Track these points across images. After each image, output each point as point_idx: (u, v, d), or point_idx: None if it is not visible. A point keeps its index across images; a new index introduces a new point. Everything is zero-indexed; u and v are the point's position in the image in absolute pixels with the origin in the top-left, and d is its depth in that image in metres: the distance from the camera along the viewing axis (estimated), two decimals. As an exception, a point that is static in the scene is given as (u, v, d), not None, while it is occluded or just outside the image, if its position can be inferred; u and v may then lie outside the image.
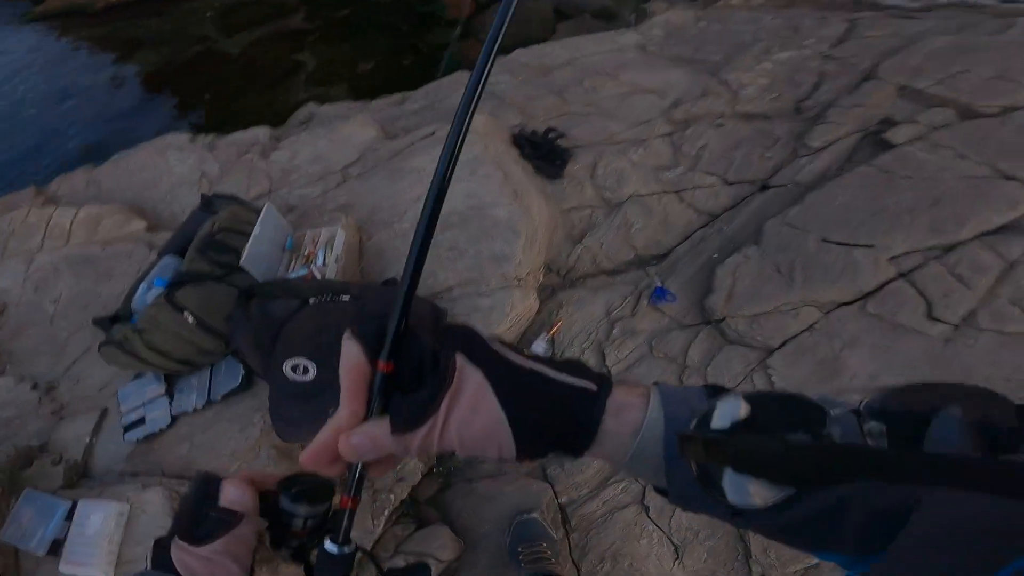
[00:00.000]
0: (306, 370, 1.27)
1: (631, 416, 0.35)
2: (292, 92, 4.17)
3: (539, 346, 1.64)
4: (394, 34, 4.73)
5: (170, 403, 1.37)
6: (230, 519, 0.45)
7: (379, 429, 0.34)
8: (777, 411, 0.32)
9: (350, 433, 0.34)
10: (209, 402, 1.36)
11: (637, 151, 2.18)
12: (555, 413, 0.34)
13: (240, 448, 1.28)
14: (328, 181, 2.12)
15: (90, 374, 1.57)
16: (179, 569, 0.44)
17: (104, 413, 1.46)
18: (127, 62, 4.97)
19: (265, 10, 5.21)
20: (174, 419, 1.35)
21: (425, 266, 0.35)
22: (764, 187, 1.98)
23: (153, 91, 4.59)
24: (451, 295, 1.64)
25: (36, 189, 2.43)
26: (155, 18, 5.38)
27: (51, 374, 1.62)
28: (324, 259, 1.63)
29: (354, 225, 1.80)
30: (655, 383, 0.37)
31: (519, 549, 1.32)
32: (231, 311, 1.33)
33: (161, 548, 0.45)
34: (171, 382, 1.44)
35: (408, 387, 0.34)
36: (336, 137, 2.30)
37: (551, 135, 2.27)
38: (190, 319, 1.37)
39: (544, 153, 2.20)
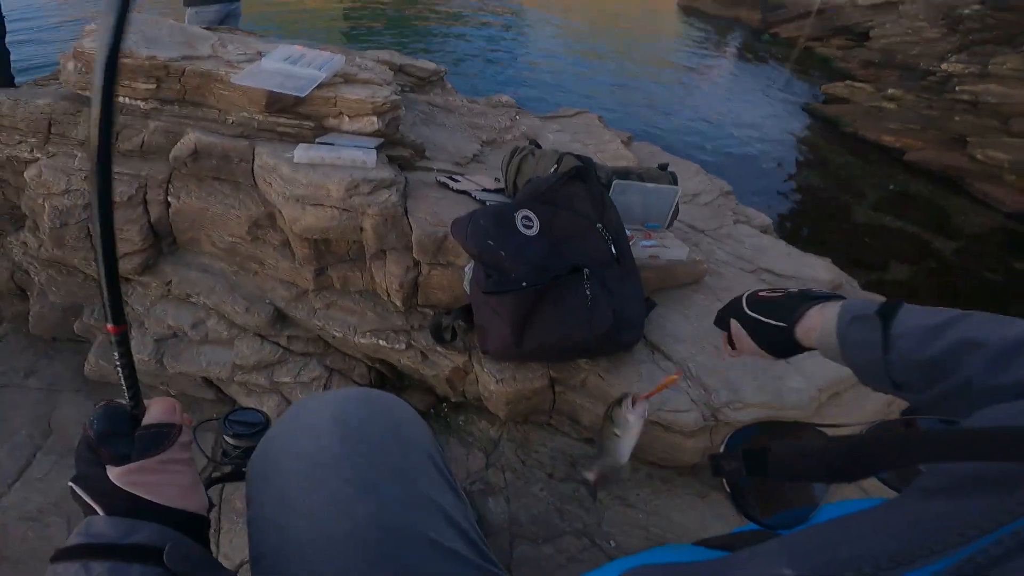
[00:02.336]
0: (529, 226, 1.38)
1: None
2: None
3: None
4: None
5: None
6: (168, 430, 0.47)
7: (727, 345, 0.83)
8: None
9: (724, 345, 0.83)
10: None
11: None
12: None
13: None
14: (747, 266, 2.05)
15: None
16: (130, 488, 0.43)
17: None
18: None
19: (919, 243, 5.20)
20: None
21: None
22: None
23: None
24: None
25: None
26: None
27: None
28: (654, 245, 1.65)
29: (700, 266, 1.72)
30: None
31: None
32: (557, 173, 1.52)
33: (89, 484, 0.44)
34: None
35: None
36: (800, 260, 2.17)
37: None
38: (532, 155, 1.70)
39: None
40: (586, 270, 1.33)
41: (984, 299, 4.65)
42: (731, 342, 0.78)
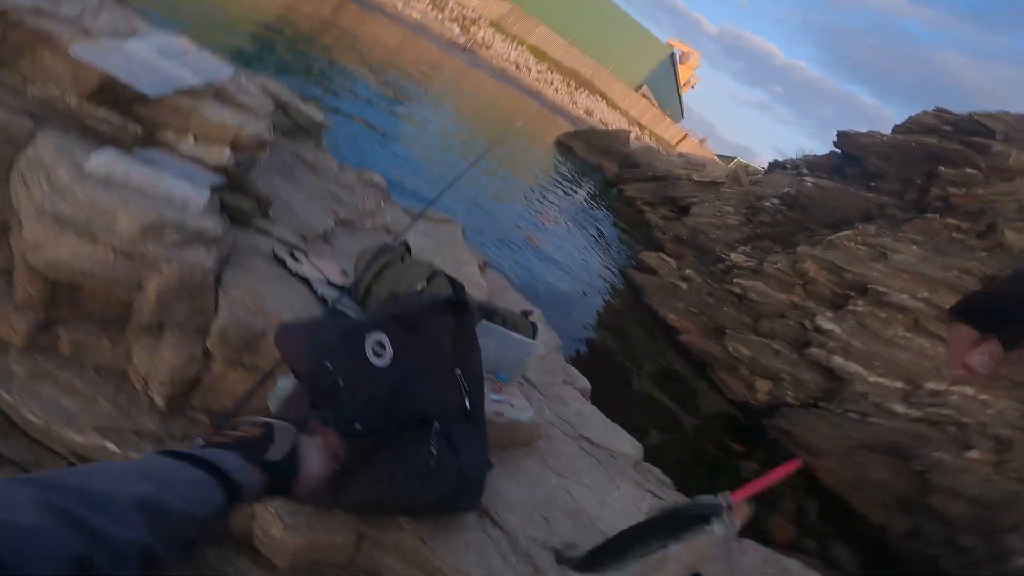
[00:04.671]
0: (380, 354, 1.12)
1: None
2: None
3: None
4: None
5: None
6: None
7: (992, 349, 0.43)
8: None
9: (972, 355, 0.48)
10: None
11: None
12: None
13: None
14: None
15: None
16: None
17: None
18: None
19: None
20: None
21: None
22: None
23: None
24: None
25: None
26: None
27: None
28: (501, 401, 1.50)
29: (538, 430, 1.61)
30: None
31: None
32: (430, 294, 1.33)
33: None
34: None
35: None
36: (613, 432, 2.22)
37: None
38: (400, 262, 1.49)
39: None
40: (436, 424, 1.10)
41: (704, 468, 5.45)
42: (1014, 343, 0.48)
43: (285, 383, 1.09)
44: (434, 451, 1.07)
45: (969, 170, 6.11)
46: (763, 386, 6.64)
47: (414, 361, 1.15)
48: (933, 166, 6.50)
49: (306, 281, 1.43)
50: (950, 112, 7.07)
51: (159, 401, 1.13)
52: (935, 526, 5.25)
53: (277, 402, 1.08)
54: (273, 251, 1.47)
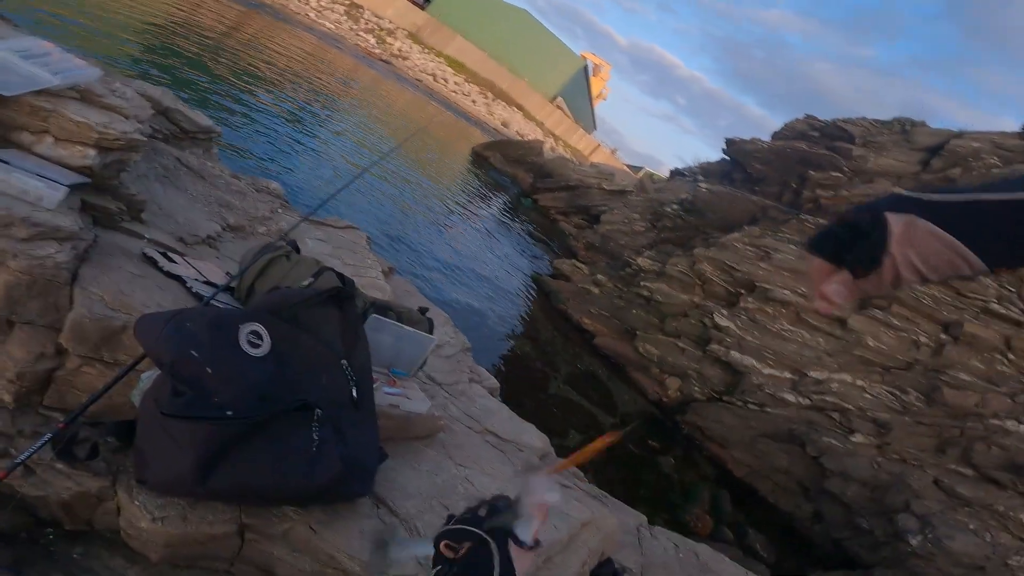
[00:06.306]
0: (257, 344, 1.10)
1: None
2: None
3: None
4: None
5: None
6: None
7: (843, 278, 0.48)
8: None
9: (827, 286, 0.48)
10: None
11: None
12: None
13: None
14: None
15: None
16: None
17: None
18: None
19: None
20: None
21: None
22: None
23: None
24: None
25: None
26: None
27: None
28: (397, 394, 1.51)
29: (438, 422, 1.64)
30: None
31: None
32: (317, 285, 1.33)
33: None
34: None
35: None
36: (519, 426, 2.28)
37: None
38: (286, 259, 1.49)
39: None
40: (318, 410, 1.10)
41: (625, 466, 5.67)
42: (859, 271, 0.49)
43: (149, 375, 1.05)
44: (315, 436, 1.07)
45: (834, 173, 6.89)
46: (673, 383, 7.05)
47: (295, 350, 1.15)
48: (805, 169, 7.26)
49: (181, 280, 1.38)
50: (817, 118, 7.89)
51: (7, 398, 1.07)
52: (835, 509, 5.70)
53: (139, 391, 1.04)
54: (143, 251, 1.40)
